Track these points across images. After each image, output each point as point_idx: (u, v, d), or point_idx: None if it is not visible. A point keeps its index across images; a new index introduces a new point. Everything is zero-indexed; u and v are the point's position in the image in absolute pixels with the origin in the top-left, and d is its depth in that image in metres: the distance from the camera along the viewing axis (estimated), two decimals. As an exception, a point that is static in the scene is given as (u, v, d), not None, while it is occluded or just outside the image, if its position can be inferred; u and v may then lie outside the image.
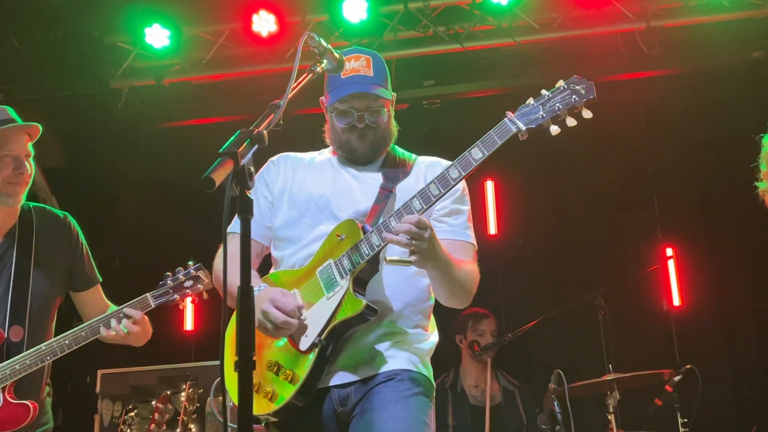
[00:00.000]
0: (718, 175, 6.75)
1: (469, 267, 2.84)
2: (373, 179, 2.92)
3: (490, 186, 7.02)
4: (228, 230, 2.91)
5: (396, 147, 3.04)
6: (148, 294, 3.47)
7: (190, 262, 3.52)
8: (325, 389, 2.73)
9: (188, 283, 3.49)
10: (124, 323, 3.40)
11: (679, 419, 4.88)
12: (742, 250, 6.71)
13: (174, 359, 5.95)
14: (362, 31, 6.36)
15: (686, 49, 6.56)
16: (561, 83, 2.67)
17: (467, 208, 2.96)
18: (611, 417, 4.74)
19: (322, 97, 2.99)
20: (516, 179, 6.93)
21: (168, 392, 5.03)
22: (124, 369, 5.62)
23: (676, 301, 6.65)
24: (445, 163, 2.99)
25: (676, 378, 4.87)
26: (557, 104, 2.62)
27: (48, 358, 3.38)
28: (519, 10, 6.31)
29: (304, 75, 2.50)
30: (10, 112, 3.48)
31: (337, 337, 2.68)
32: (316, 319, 2.66)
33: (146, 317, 3.51)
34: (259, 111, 2.19)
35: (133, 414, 4.95)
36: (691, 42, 6.50)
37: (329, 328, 2.64)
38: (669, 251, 6.67)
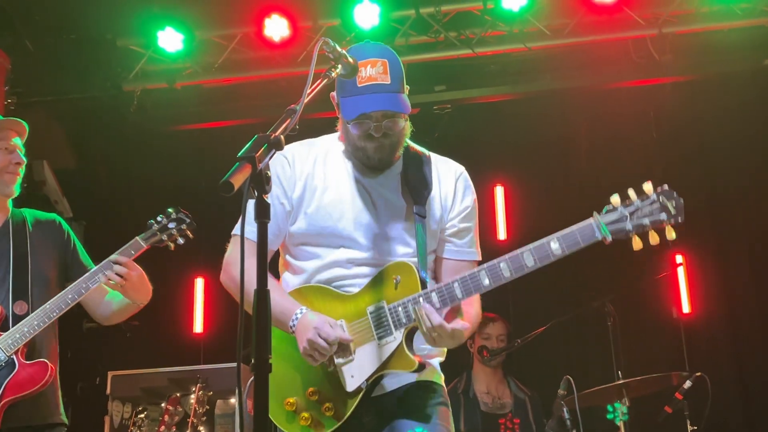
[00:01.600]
0: (728, 182, 6.75)
1: (475, 313, 2.84)
2: (391, 199, 2.85)
3: (499, 191, 7.02)
4: (233, 232, 2.94)
5: (408, 143, 2.96)
6: (137, 237, 3.65)
7: (170, 209, 3.73)
8: None
9: (172, 224, 3.69)
10: (117, 269, 3.51)
11: (689, 427, 4.87)
12: (752, 258, 6.70)
13: (183, 361, 5.97)
14: (374, 36, 6.36)
15: (697, 56, 6.56)
16: (651, 191, 2.60)
17: (473, 223, 2.93)
18: (621, 424, 4.72)
19: (333, 93, 2.87)
20: (526, 185, 6.93)
21: (178, 394, 5.05)
22: (134, 371, 5.64)
23: (686, 308, 6.64)
24: (455, 165, 2.98)
25: (686, 385, 4.85)
26: (645, 219, 2.56)
27: (54, 314, 3.47)
28: (530, 15, 6.31)
29: (319, 80, 2.51)
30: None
31: (378, 382, 2.70)
32: (365, 363, 2.64)
33: (141, 270, 3.62)
34: (271, 115, 2.20)
35: (142, 416, 4.98)
36: (702, 49, 6.50)
37: (378, 374, 2.65)
38: (679, 258, 6.65)
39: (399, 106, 2.75)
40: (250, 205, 1.96)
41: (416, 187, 2.85)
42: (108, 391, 5.59)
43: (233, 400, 5.45)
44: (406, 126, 2.88)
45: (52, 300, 3.49)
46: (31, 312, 3.49)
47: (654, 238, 2.56)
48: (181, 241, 3.71)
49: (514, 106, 6.69)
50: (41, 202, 6.24)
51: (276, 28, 6.34)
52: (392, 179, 2.90)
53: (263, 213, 1.94)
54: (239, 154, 1.95)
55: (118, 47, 6.72)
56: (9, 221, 3.70)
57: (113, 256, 3.56)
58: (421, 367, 2.65)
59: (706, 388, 4.82)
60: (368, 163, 2.86)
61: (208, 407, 4.96)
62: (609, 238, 2.58)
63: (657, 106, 6.83)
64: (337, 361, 2.64)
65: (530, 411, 5.74)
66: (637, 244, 2.57)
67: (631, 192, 2.60)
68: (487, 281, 2.62)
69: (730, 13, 6.22)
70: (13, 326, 3.46)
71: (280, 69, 6.64)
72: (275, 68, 6.65)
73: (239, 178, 1.88)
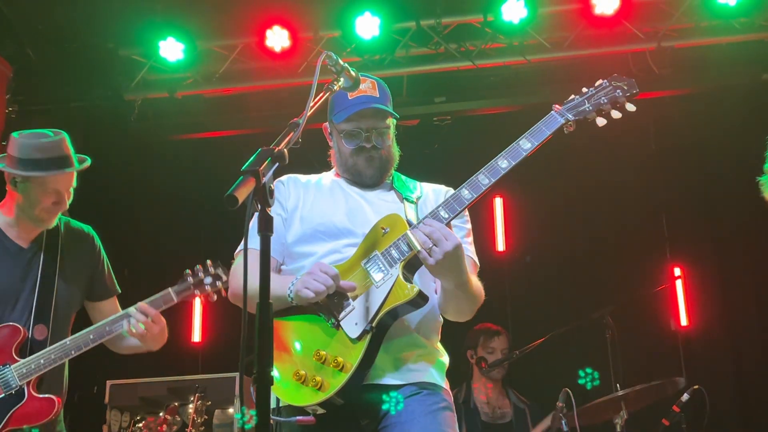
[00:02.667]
0: (727, 195, 6.77)
1: (478, 285, 2.88)
2: (384, 200, 2.99)
3: (498, 203, 7.05)
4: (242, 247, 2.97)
5: (398, 174, 3.10)
6: (170, 288, 3.54)
7: (209, 261, 3.58)
8: (348, 405, 2.71)
9: (208, 280, 3.55)
10: (141, 318, 3.44)
11: (687, 439, 4.87)
12: (751, 271, 6.71)
13: (181, 371, 5.96)
14: (374, 48, 6.42)
15: (696, 70, 6.59)
16: (601, 81, 2.80)
17: (468, 226, 3.00)
18: (618, 437, 4.73)
19: (326, 123, 3.06)
20: (525, 197, 6.95)
21: (176, 404, 5.05)
22: (133, 380, 5.63)
23: (684, 320, 6.65)
24: (444, 186, 3.09)
25: (684, 398, 4.86)
26: (602, 98, 2.76)
27: (72, 352, 3.44)
28: (530, 28, 6.35)
29: (322, 93, 2.55)
30: (68, 140, 3.58)
31: (385, 328, 2.67)
32: (366, 307, 2.66)
33: (162, 318, 3.55)
34: (271, 125, 2.23)
35: (141, 425, 4.97)
36: (701, 63, 6.53)
37: (380, 314, 2.63)
38: (677, 271, 6.68)
39: (385, 107, 2.94)
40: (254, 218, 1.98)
41: (404, 192, 2.99)
42: (106, 400, 5.58)
43: (231, 410, 5.44)
44: (394, 145, 3.04)
45: (73, 337, 3.45)
46: (50, 336, 3.46)
47: (616, 114, 2.76)
48: (214, 298, 3.60)
49: (513, 117, 6.72)
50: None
51: (277, 39, 6.38)
52: (384, 190, 3.04)
53: (266, 226, 1.96)
54: (243, 168, 1.97)
55: (120, 56, 6.76)
56: (43, 235, 3.62)
57: (142, 304, 3.49)
58: (423, 296, 2.63)
59: (704, 400, 4.82)
60: (361, 180, 3.00)
61: (206, 417, 4.95)
62: (571, 119, 2.73)
63: (656, 119, 6.86)
64: (339, 314, 2.67)
65: (530, 421, 5.75)
66: (601, 122, 2.77)
67: (584, 88, 2.82)
68: (467, 193, 2.70)
69: (729, 28, 6.26)
70: (30, 351, 3.43)
71: (281, 80, 6.67)
72: (276, 79, 6.68)
73: (243, 192, 1.90)
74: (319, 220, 2.91)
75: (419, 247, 2.59)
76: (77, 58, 6.72)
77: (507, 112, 6.85)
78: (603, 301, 5.64)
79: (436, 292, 2.91)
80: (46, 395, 3.42)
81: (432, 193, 3.04)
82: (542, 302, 7.01)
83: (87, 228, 3.79)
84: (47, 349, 3.43)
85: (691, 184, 6.95)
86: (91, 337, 3.46)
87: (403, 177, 3.10)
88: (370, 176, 2.98)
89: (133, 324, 3.44)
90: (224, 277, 3.54)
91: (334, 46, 6.47)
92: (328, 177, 3.12)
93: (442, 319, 2.97)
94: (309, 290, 2.60)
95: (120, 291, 3.80)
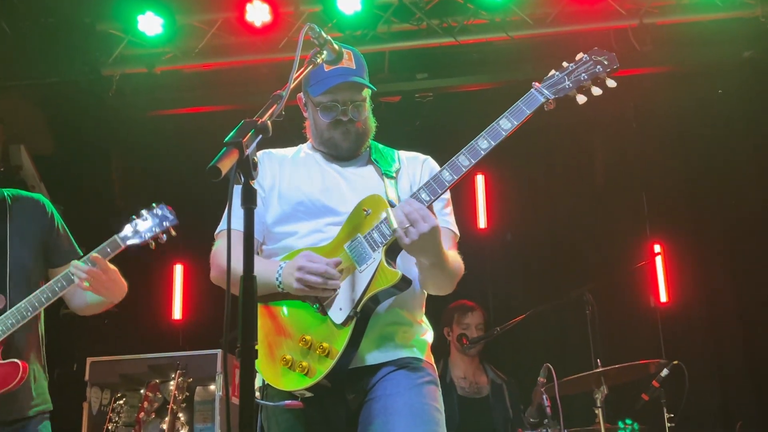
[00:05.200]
0: (707, 172, 6.82)
1: (457, 259, 2.88)
2: (361, 176, 2.97)
3: (480, 180, 7.05)
4: (223, 228, 2.94)
5: (375, 142, 3.08)
6: (115, 235, 3.47)
7: (154, 204, 3.54)
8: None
9: (155, 221, 3.51)
10: (83, 269, 3.35)
11: (665, 414, 4.91)
12: (730, 247, 6.78)
13: (162, 348, 5.94)
14: (356, 23, 6.36)
15: (678, 47, 6.59)
16: (582, 55, 2.75)
17: (448, 196, 2.98)
18: (599, 411, 4.76)
19: (300, 94, 3.02)
20: (506, 174, 6.96)
21: (157, 381, 5.03)
22: (113, 357, 5.61)
23: (663, 297, 6.71)
24: (420, 154, 3.09)
25: (663, 373, 4.90)
26: (582, 74, 2.71)
27: (28, 313, 3.38)
28: (513, 5, 6.32)
29: (305, 66, 2.52)
30: None
31: (369, 312, 2.68)
32: (350, 292, 2.66)
33: (114, 270, 3.48)
34: (251, 101, 2.21)
35: (122, 402, 4.93)
36: (682, 40, 6.53)
37: (364, 300, 2.64)
38: (657, 248, 6.72)
39: (362, 80, 2.92)
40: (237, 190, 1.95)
41: (384, 166, 2.97)
42: (86, 377, 5.55)
43: (213, 387, 5.43)
44: (370, 117, 3.02)
45: (27, 299, 3.40)
46: (9, 306, 3.40)
47: (597, 90, 2.71)
48: (164, 238, 3.53)
49: (495, 94, 6.70)
50: (18, 186, 6.16)
51: (257, 13, 6.29)
52: (360, 162, 3.02)
53: (250, 199, 1.93)
54: (226, 140, 1.94)
55: (97, 31, 6.64)
56: None
57: (89, 255, 3.42)
58: (406, 281, 2.64)
59: (683, 375, 4.87)
60: (337, 153, 2.98)
61: (187, 394, 4.93)
62: (551, 98, 2.69)
63: (637, 96, 6.87)
64: (324, 300, 2.68)
65: (507, 396, 5.79)
66: (582, 99, 2.71)
67: (565, 63, 2.75)
68: (448, 175, 2.67)
69: (711, 5, 6.26)
70: None
71: (261, 54, 6.59)
72: (256, 54, 6.61)
73: (226, 164, 1.87)
74: (298, 198, 2.89)
75: (396, 226, 2.58)
76: (54, 33, 6.59)
77: (489, 89, 6.83)
78: (583, 278, 5.69)
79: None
80: (10, 360, 3.37)
81: (407, 161, 3.03)
82: (523, 279, 7.05)
83: (37, 196, 3.72)
84: (4, 315, 3.37)
85: (671, 161, 6.98)
86: (44, 295, 3.40)
87: (381, 147, 3.08)
88: (347, 149, 2.96)
89: (80, 275, 3.37)
90: (170, 217, 3.52)
91: (315, 20, 6.37)
92: (303, 150, 3.09)
93: (425, 293, 2.97)
94: (300, 284, 2.63)
95: (82, 254, 3.63)
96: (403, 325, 2.83)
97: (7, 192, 3.65)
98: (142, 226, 3.51)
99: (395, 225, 2.59)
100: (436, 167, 3.00)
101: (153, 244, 3.53)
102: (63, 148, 7.08)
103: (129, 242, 3.48)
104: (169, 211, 3.53)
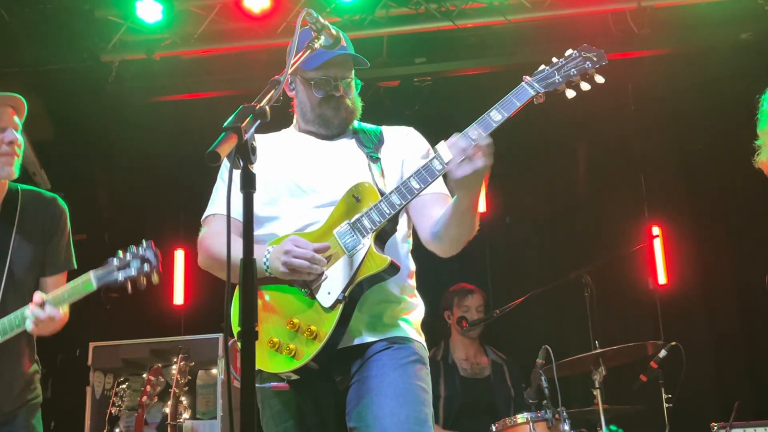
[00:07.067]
0: (705, 154, 6.83)
1: None
2: (346, 151, 3.00)
3: (479, 163, 7.04)
4: (214, 212, 2.97)
5: (360, 123, 3.12)
6: (90, 272, 3.19)
7: (144, 241, 3.21)
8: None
9: (135, 264, 3.15)
10: (37, 313, 3.13)
11: (663, 395, 4.95)
12: (728, 229, 6.80)
13: (163, 333, 5.99)
14: (354, 8, 6.35)
15: (676, 30, 6.58)
16: (571, 51, 2.79)
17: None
18: (597, 392, 4.80)
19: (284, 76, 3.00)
20: (504, 157, 6.94)
21: (159, 365, 5.09)
22: (116, 342, 5.65)
23: (662, 279, 6.73)
24: (404, 126, 3.14)
25: (661, 354, 4.94)
26: (571, 70, 2.75)
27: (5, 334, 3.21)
28: (511, -12, 6.32)
29: (302, 51, 2.54)
30: None
31: (357, 296, 2.71)
32: (339, 276, 2.70)
33: (66, 315, 3.25)
34: (250, 86, 2.23)
35: (124, 386, 5.00)
36: (680, 22, 6.52)
37: (353, 285, 2.68)
38: (655, 230, 6.75)
39: (358, 56, 2.95)
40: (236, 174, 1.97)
41: (368, 143, 3.02)
42: (89, 362, 5.60)
43: (215, 371, 5.48)
44: (357, 98, 3.08)
45: (6, 317, 3.23)
46: (2, 301, 3.28)
47: (585, 86, 2.77)
48: (143, 285, 3.15)
49: (494, 78, 6.71)
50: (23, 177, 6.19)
51: (256, -1, 6.30)
52: (346, 142, 3.05)
53: (249, 183, 1.96)
54: (225, 125, 1.96)
55: (96, 17, 6.63)
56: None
57: (47, 297, 3.17)
58: (394, 266, 2.69)
59: (681, 356, 4.90)
60: (327, 131, 3.02)
61: (189, 378, 4.99)
62: (541, 92, 2.73)
63: (635, 78, 6.87)
64: (312, 283, 2.71)
65: (508, 376, 5.86)
66: (570, 93, 2.77)
67: (554, 58, 2.80)
68: (438, 165, 2.69)
69: (709, -13, 6.26)
70: None
71: (260, 40, 6.60)
72: (255, 39, 6.61)
73: (225, 148, 1.90)
74: (283, 182, 2.92)
75: (449, 158, 2.61)
76: (53, 19, 6.59)
77: (488, 73, 6.83)
78: (582, 261, 5.70)
79: (409, 237, 2.99)
80: None
81: (391, 136, 3.08)
82: (522, 262, 7.08)
83: (53, 195, 3.55)
84: None
85: (670, 144, 7.00)
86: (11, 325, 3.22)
87: (366, 126, 3.12)
88: (338, 125, 3.01)
89: (29, 322, 3.16)
90: (154, 261, 3.16)
91: (313, 6, 6.38)
92: (287, 133, 3.12)
93: (414, 267, 3.01)
94: (286, 267, 2.66)
95: (75, 267, 3.49)
96: (391, 303, 2.87)
97: (24, 194, 3.50)
98: (121, 266, 3.17)
99: (449, 157, 2.61)
100: (420, 137, 3.09)
101: (130, 289, 3.17)
102: (62, 134, 7.09)
103: (103, 282, 3.17)
104: (153, 254, 3.17)
